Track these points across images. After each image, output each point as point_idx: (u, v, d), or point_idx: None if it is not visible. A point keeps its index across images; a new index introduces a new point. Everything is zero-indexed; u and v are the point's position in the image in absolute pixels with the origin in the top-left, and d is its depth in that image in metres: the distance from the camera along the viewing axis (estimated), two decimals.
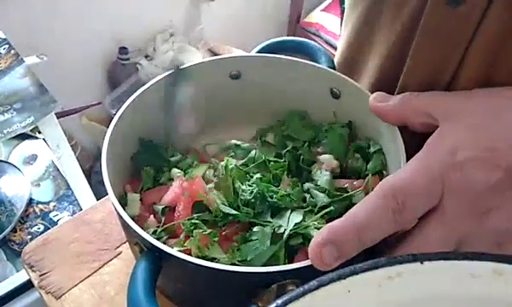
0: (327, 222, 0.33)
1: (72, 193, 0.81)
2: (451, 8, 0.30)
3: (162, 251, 0.29)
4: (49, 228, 0.64)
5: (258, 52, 0.45)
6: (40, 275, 0.40)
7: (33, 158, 0.85)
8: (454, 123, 0.29)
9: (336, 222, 0.26)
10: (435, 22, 0.32)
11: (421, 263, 0.19)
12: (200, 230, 0.33)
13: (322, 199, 0.35)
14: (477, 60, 0.31)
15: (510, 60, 0.30)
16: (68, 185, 0.81)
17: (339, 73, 0.41)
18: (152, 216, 0.37)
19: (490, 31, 0.30)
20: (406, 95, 0.33)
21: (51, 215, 0.77)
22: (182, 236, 0.34)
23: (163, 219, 0.36)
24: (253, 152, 0.40)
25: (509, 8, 0.29)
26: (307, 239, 0.32)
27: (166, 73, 0.41)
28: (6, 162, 0.83)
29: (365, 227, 0.26)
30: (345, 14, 0.45)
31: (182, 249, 0.32)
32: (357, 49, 0.42)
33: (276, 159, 0.39)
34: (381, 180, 0.33)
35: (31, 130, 0.87)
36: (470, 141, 0.27)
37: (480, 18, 0.30)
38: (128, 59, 1.38)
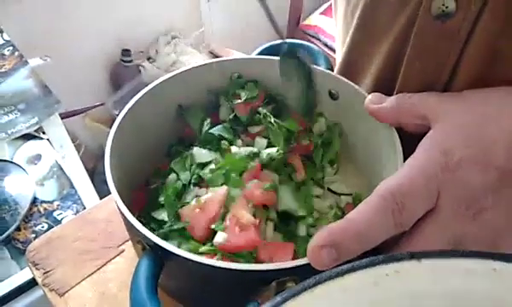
0: None
1: (76, 192, 0.81)
2: (441, 22, 0.30)
3: (164, 249, 0.29)
4: (52, 227, 0.64)
5: (259, 54, 0.45)
6: (44, 273, 0.41)
7: (37, 158, 0.86)
8: (446, 123, 0.29)
9: (336, 224, 0.26)
10: (425, 37, 0.32)
11: (419, 260, 0.19)
12: None
13: None
14: (469, 69, 0.31)
15: (502, 67, 0.30)
16: (72, 184, 0.82)
17: (337, 75, 0.41)
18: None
19: (480, 41, 0.30)
20: (401, 96, 0.34)
21: (55, 214, 0.77)
22: None
23: None
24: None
25: (498, 19, 0.29)
26: None
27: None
28: (10, 162, 0.84)
29: (365, 229, 0.25)
30: (337, 31, 0.45)
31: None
32: (354, 62, 0.42)
33: None
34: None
35: (35, 131, 0.87)
36: (463, 142, 0.27)
37: (469, 30, 0.30)
38: (131, 61, 1.39)
